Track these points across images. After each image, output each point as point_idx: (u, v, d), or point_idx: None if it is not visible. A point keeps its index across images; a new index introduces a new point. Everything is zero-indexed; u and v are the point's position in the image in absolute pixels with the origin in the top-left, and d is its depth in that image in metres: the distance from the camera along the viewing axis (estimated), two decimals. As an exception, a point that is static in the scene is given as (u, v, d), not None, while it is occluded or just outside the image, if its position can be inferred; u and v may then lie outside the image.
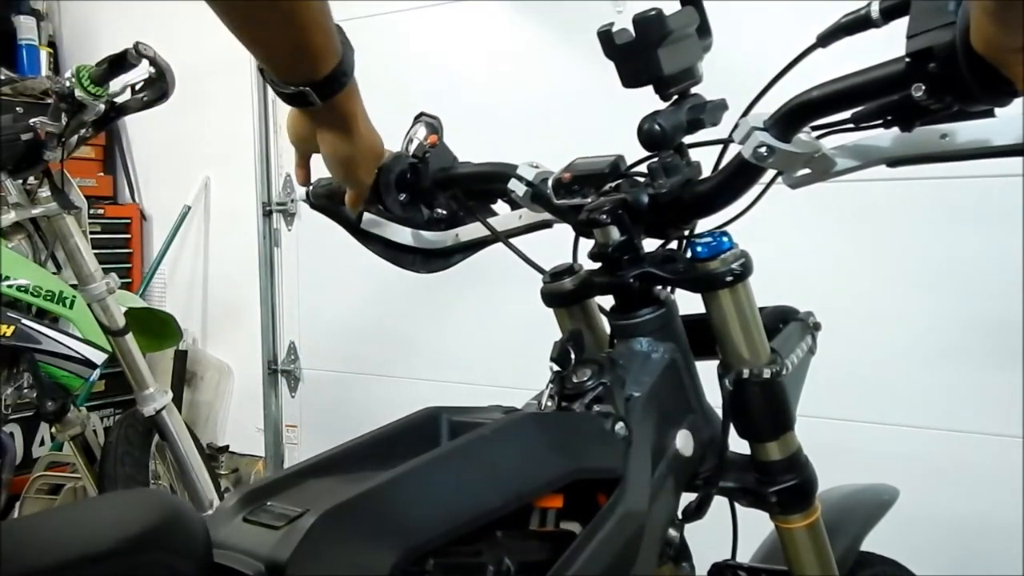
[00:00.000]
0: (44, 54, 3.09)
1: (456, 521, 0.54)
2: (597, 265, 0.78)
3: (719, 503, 0.82)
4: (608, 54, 0.73)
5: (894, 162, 0.73)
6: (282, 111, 2.90)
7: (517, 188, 0.84)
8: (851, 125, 0.68)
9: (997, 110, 0.64)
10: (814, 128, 0.71)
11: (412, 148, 0.89)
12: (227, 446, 2.93)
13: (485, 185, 0.89)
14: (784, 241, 1.94)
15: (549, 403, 0.69)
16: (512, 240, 0.91)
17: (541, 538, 0.64)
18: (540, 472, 0.61)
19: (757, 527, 0.88)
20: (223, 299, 2.96)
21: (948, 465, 1.79)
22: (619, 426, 0.66)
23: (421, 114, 0.93)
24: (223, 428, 2.97)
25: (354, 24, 2.82)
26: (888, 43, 0.63)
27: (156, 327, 2.22)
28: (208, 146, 2.87)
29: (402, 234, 0.98)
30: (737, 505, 0.85)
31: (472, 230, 0.95)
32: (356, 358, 2.64)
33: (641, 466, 0.67)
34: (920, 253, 1.82)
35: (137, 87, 1.77)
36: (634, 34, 0.71)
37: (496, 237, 0.92)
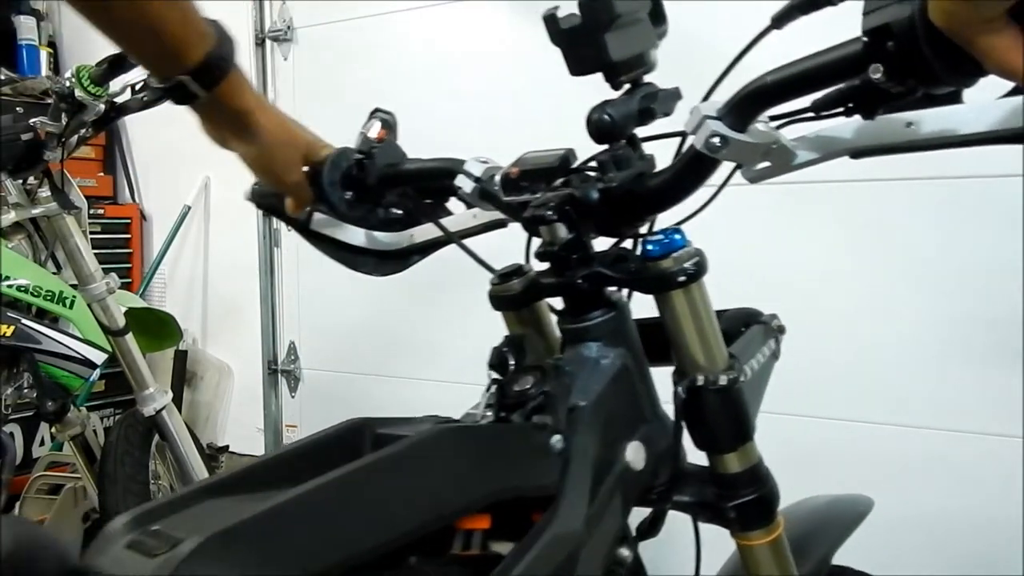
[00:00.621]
0: (44, 54, 3.09)
1: (359, 547, 0.49)
2: (546, 265, 0.74)
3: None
4: (554, 39, 0.69)
5: (857, 153, 0.69)
6: (283, 111, 2.90)
7: (464, 184, 0.80)
8: (811, 114, 0.64)
9: (966, 96, 0.61)
10: (774, 118, 0.67)
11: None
12: (227, 446, 2.93)
13: (433, 182, 0.85)
14: (785, 241, 1.94)
15: (488, 413, 0.64)
16: (472, 239, 0.87)
17: (463, 563, 0.59)
18: (459, 491, 0.56)
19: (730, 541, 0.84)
20: (223, 299, 2.96)
21: (947, 465, 1.78)
22: (555, 439, 0.61)
23: (376, 110, 0.90)
24: (223, 428, 2.97)
25: (354, 24, 2.82)
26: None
27: (156, 327, 2.22)
28: (208, 146, 2.85)
29: (355, 235, 0.94)
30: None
31: (428, 230, 0.91)
32: (356, 358, 2.64)
33: (579, 482, 0.61)
34: (920, 253, 1.81)
35: (137, 87, 1.76)
36: (580, 18, 0.67)
37: (449, 238, 0.88)
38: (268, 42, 2.71)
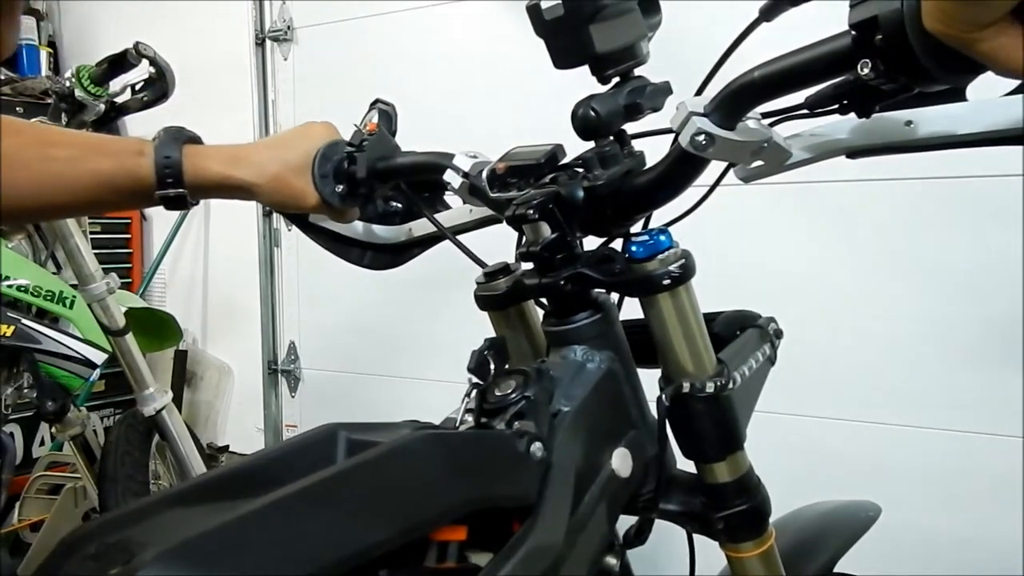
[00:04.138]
0: (44, 54, 3.09)
1: (325, 560, 0.46)
2: (531, 265, 0.71)
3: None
4: (538, 31, 0.67)
5: (854, 153, 0.66)
6: (282, 112, 2.90)
7: (453, 180, 0.79)
8: (805, 111, 0.61)
9: (969, 93, 0.57)
10: (767, 115, 0.65)
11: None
12: (227, 446, 2.93)
13: (424, 176, 0.83)
14: (782, 241, 1.94)
15: (468, 418, 0.61)
16: (471, 234, 0.85)
17: None
18: (432, 501, 0.53)
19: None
20: (223, 299, 2.96)
21: (948, 465, 1.78)
22: (535, 447, 0.58)
23: (376, 100, 0.88)
24: (223, 428, 2.97)
25: (354, 24, 2.81)
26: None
27: (156, 327, 2.22)
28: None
29: (353, 227, 0.92)
30: None
31: (427, 224, 0.89)
32: (356, 358, 2.64)
33: (560, 492, 0.59)
34: (920, 253, 1.80)
35: (137, 87, 1.77)
36: (563, 8, 0.64)
37: (442, 233, 0.85)
38: (268, 42, 2.71)
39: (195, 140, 0.79)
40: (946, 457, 1.78)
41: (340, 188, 0.81)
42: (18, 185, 0.70)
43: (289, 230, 2.73)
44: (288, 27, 2.66)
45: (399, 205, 0.90)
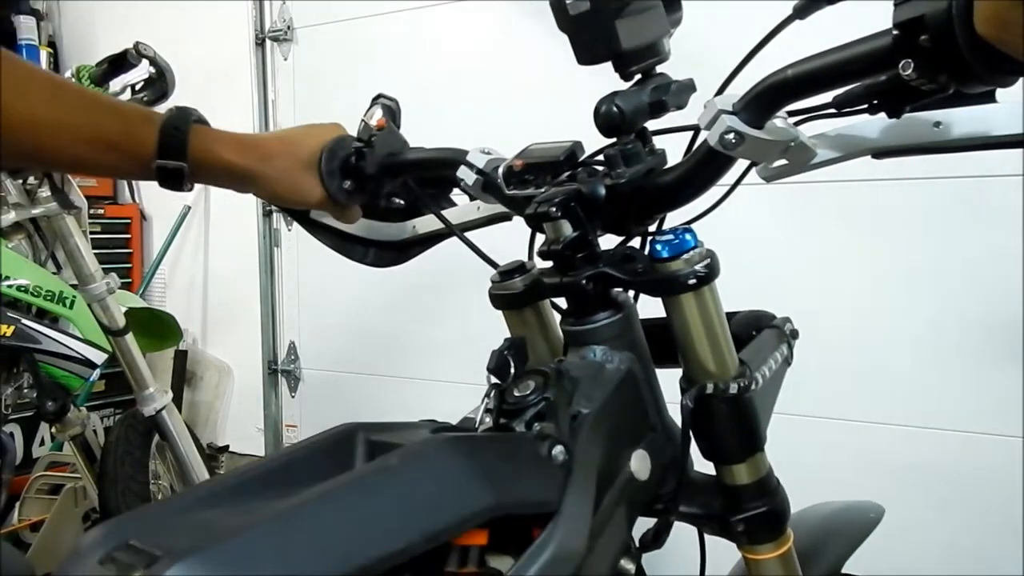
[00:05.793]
0: (44, 54, 3.08)
1: (346, 568, 0.46)
2: (549, 264, 0.70)
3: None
4: (561, 26, 0.66)
5: (881, 153, 0.66)
6: (282, 112, 2.90)
7: (467, 176, 0.78)
8: (833, 110, 0.61)
9: (999, 94, 0.57)
10: (792, 113, 0.64)
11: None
12: (227, 446, 2.93)
13: (435, 172, 0.82)
14: (783, 241, 1.94)
15: (486, 419, 0.60)
16: (476, 232, 0.85)
17: None
18: (454, 508, 0.51)
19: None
20: (223, 299, 2.96)
21: (947, 465, 1.78)
22: (557, 450, 0.57)
23: (379, 96, 0.87)
24: (223, 428, 2.96)
25: (354, 24, 2.81)
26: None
27: (156, 327, 2.22)
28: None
29: (355, 224, 0.91)
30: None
31: (430, 222, 0.89)
32: (356, 358, 2.64)
33: (581, 497, 0.57)
34: (920, 253, 1.80)
35: (137, 87, 1.76)
36: (589, 4, 0.64)
37: (450, 230, 0.85)
38: (268, 42, 2.71)
39: (203, 123, 0.77)
40: (946, 457, 1.78)
41: (347, 184, 0.80)
42: (20, 122, 0.68)
43: (290, 229, 2.73)
44: (288, 27, 2.66)
45: (402, 202, 0.90)
